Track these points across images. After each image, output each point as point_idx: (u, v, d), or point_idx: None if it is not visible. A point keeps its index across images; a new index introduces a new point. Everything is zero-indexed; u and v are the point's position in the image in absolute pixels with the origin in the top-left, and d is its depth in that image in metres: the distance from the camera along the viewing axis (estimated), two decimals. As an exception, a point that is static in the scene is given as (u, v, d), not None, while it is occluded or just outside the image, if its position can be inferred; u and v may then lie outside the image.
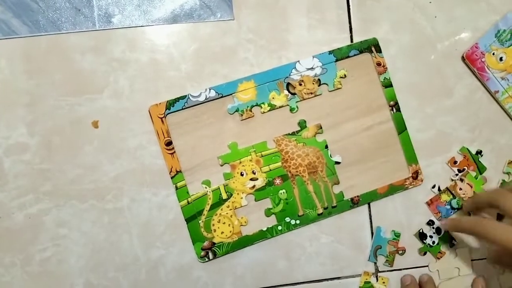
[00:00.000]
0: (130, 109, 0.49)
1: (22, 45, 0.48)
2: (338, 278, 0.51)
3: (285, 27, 0.50)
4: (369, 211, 0.51)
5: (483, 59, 0.51)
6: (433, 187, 0.52)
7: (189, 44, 0.50)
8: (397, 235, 0.51)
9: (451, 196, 0.52)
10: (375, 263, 0.52)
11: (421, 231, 0.51)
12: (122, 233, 0.49)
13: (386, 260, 0.51)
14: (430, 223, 0.51)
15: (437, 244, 0.51)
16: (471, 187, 0.52)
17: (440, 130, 0.52)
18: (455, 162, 0.52)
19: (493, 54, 0.51)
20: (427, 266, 0.52)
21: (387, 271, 0.52)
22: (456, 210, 0.52)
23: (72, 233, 0.48)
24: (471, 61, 0.52)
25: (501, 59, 0.51)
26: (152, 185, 0.49)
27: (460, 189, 0.52)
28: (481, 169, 0.52)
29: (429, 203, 0.52)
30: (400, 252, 0.52)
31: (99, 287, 0.49)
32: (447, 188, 0.52)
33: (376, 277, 0.52)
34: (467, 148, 0.52)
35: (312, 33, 0.51)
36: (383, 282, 0.51)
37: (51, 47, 0.48)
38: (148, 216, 0.49)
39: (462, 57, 0.52)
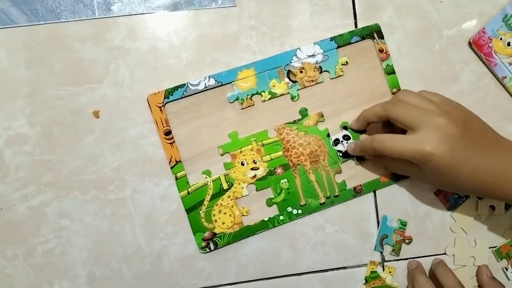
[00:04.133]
0: (131, 98, 0.48)
1: (21, 34, 0.47)
2: (344, 268, 0.51)
3: (288, 13, 0.50)
4: (375, 199, 0.51)
5: (490, 44, 0.50)
6: (440, 176, 0.51)
7: (190, 31, 0.49)
8: (403, 224, 0.51)
9: (458, 184, 0.51)
10: (381, 252, 0.51)
11: (339, 154, 0.50)
12: (125, 224, 0.48)
13: (393, 249, 0.51)
14: (336, 141, 0.49)
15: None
16: (479, 174, 0.51)
17: (446, 117, 0.51)
18: (462, 150, 0.51)
19: (501, 39, 0.50)
20: (435, 255, 0.51)
21: (394, 260, 0.51)
22: (464, 199, 0.51)
23: (74, 225, 0.48)
24: (478, 46, 0.50)
25: (509, 44, 0.50)
26: (154, 175, 0.48)
27: (468, 176, 0.51)
28: (488, 156, 0.51)
29: (437, 193, 0.51)
30: (407, 241, 0.51)
31: (102, 279, 0.48)
32: (454, 176, 0.51)
33: (383, 266, 0.51)
34: (474, 135, 0.51)
35: (315, 19, 0.50)
36: (390, 272, 0.51)
37: (50, 36, 0.47)
38: (151, 207, 0.48)
39: (469, 42, 0.51)
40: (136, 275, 0.49)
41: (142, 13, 0.48)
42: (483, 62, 0.51)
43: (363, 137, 0.50)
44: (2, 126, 0.47)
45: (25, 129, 0.47)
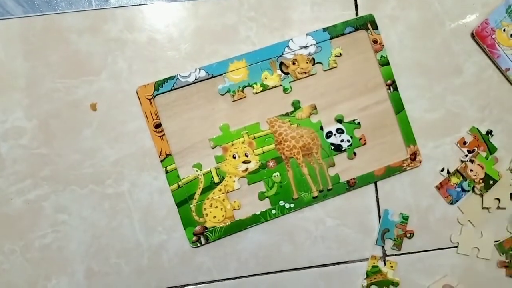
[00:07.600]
0: (129, 90, 0.47)
1: (17, 26, 0.46)
2: (345, 262, 0.50)
3: (288, 4, 0.49)
4: (376, 193, 0.50)
5: (493, 36, 0.50)
6: (442, 170, 0.51)
7: (188, 23, 0.48)
8: (405, 218, 0.50)
9: (461, 178, 0.50)
10: (383, 246, 0.50)
11: (332, 148, 0.49)
12: (123, 218, 0.48)
13: (394, 243, 0.50)
14: (330, 134, 0.48)
15: (350, 143, 0.49)
16: (482, 168, 0.50)
17: (449, 109, 0.51)
18: (465, 143, 0.51)
19: (504, 30, 0.49)
20: (437, 249, 0.51)
21: (395, 255, 0.50)
22: (467, 193, 0.50)
23: (72, 219, 0.47)
24: (481, 38, 0.50)
25: (512, 35, 0.50)
26: (153, 169, 0.48)
27: (471, 170, 0.50)
28: (491, 149, 0.51)
29: (439, 187, 0.51)
30: (409, 235, 0.50)
31: (100, 274, 0.48)
32: (456, 170, 0.50)
33: (384, 261, 0.50)
34: (477, 128, 0.51)
35: (315, 10, 0.49)
36: (391, 266, 0.50)
37: (46, 27, 0.46)
38: (149, 201, 0.48)
39: (472, 33, 0.50)
40: (134, 270, 0.48)
41: (139, 4, 0.47)
42: (486, 54, 0.50)
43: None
44: (-2, 119, 0.46)
45: (22, 122, 0.47)
